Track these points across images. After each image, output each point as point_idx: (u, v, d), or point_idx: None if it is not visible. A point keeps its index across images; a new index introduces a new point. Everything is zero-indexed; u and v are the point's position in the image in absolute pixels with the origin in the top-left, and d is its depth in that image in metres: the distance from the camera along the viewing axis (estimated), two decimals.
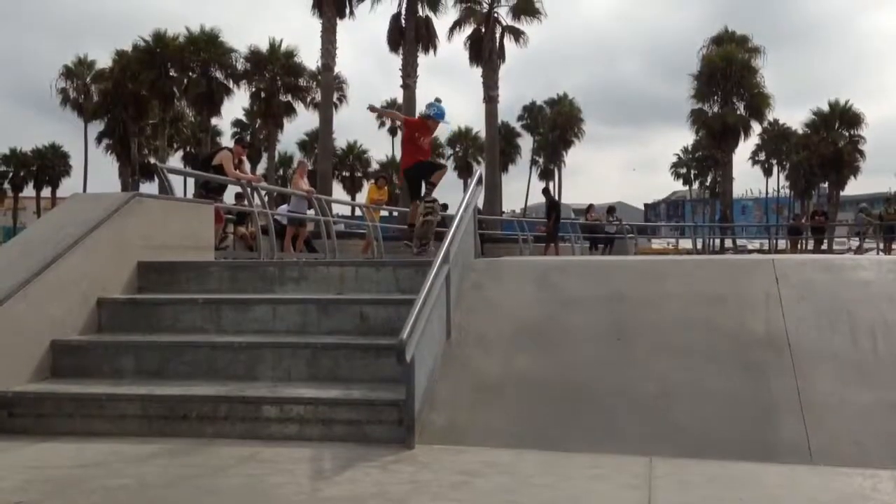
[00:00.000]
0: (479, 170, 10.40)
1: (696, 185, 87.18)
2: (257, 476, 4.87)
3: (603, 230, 26.78)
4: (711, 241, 41.07)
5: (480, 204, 24.07)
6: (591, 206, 29.26)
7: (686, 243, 36.58)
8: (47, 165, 79.09)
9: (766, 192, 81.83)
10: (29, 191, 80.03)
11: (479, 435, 5.63)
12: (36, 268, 6.65)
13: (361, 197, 19.98)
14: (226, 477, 4.84)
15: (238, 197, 14.53)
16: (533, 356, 6.36)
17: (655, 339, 6.34)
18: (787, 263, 7.13)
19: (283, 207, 15.05)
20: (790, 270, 6.86)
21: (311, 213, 14.47)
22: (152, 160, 57.08)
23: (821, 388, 5.70)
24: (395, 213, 25.64)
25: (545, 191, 26.10)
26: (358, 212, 21.66)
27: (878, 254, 24.36)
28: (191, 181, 13.51)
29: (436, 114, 8.99)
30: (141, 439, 5.64)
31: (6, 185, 79.31)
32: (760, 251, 33.56)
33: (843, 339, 6.07)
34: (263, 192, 13.27)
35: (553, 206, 23.66)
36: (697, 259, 9.03)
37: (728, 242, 43.12)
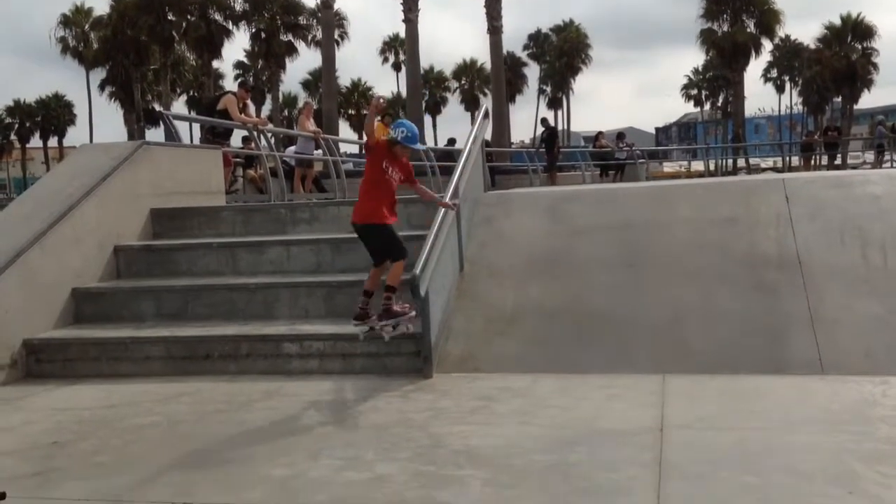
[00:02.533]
0: (486, 103, 8.67)
1: (707, 107, 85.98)
2: (282, 409, 5.02)
3: (613, 157, 26.58)
4: (724, 161, 40.66)
5: (489, 136, 23.98)
6: (600, 133, 28.97)
7: (699, 165, 36.25)
8: (52, 115, 78.79)
9: (779, 110, 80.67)
10: (35, 141, 79.94)
11: (495, 362, 5.76)
12: (51, 219, 6.75)
13: None
14: (252, 411, 5.00)
15: (245, 140, 14.50)
16: (545, 285, 6.44)
17: (667, 263, 6.40)
18: (797, 182, 7.13)
19: (291, 149, 14.99)
20: (800, 189, 6.86)
21: (318, 153, 14.43)
22: (156, 106, 56.82)
23: (831, 303, 5.76)
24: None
25: (544, 120, 25.87)
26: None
27: (892, 167, 24.14)
28: (196, 126, 13.47)
29: (405, 138, 5.48)
30: (167, 379, 5.81)
31: (13, 137, 79.22)
32: (774, 169, 33.29)
33: (853, 255, 6.11)
34: (270, 135, 13.23)
35: (552, 135, 23.48)
36: (707, 182, 9.03)
37: (741, 162, 42.70)
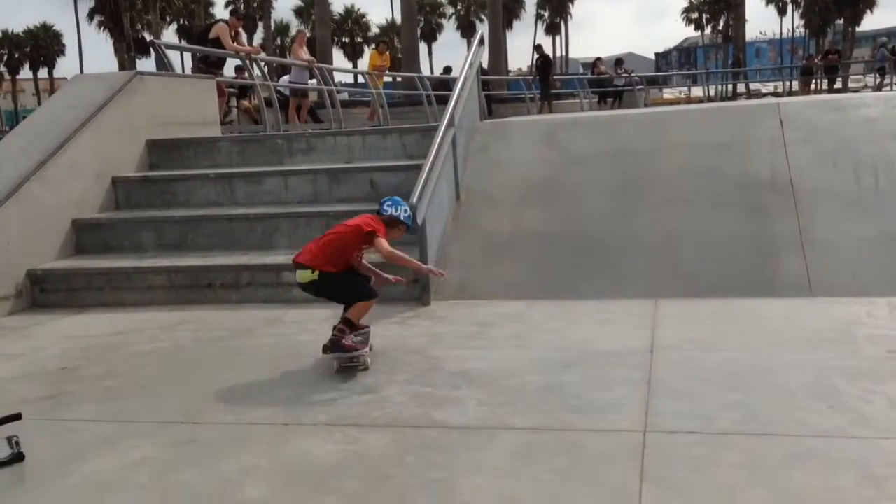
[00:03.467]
0: (481, 30, 8.33)
1: (708, 31, 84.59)
2: (284, 335, 5.15)
3: (611, 84, 26.31)
4: (724, 87, 40.18)
5: (485, 63, 23.63)
6: (598, 59, 28.57)
7: (699, 91, 35.87)
8: (41, 46, 77.53)
9: (781, 33, 79.43)
10: (26, 73, 78.88)
11: (492, 289, 5.87)
12: (49, 150, 6.77)
13: (363, 64, 19.63)
14: (254, 337, 5.13)
15: (238, 70, 14.35)
16: (541, 213, 6.51)
17: (661, 189, 6.46)
18: (791, 106, 7.13)
19: (285, 78, 14.84)
20: (795, 113, 6.87)
21: (312, 82, 14.30)
22: (147, 35, 55.78)
23: (822, 225, 5.85)
24: (399, 79, 25.25)
25: (538, 47, 25.50)
26: (361, 80, 21.34)
27: (893, 90, 23.95)
28: (188, 57, 13.30)
29: (407, 217, 4.52)
30: (170, 308, 5.94)
31: (2, 68, 78.10)
32: (774, 94, 32.98)
33: (846, 178, 6.17)
34: (263, 64, 13.09)
35: (546, 63, 23.19)
36: (702, 108, 9.00)
37: (741, 88, 42.18)
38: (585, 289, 5.74)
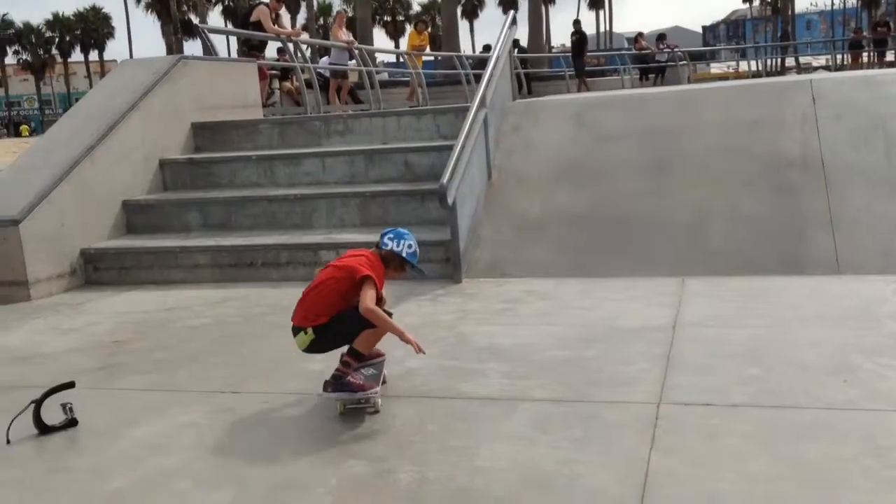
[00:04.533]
0: (511, 13, 7.99)
1: (757, 2, 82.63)
2: None
3: (653, 59, 26.00)
4: (774, 61, 39.28)
5: (524, 41, 23.56)
6: (639, 34, 28.21)
7: (748, 66, 35.19)
8: (91, 28, 79.07)
9: (832, 5, 77.25)
10: (77, 56, 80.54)
11: (522, 268, 6.03)
12: (99, 133, 7.09)
13: (404, 43, 19.63)
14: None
15: (280, 52, 14.59)
16: (571, 192, 6.63)
17: (691, 168, 6.52)
18: (824, 83, 7.10)
19: (324, 60, 15.04)
20: (827, 90, 6.85)
21: (352, 63, 14.49)
22: (193, 17, 56.51)
23: (851, 204, 5.87)
24: (439, 58, 25.29)
25: (576, 23, 25.22)
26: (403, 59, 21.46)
27: None
28: (234, 39, 13.59)
29: (411, 254, 3.75)
30: (215, 285, 6.22)
31: (54, 52, 79.88)
32: (825, 68, 32.24)
33: (877, 156, 6.16)
34: (305, 46, 13.30)
35: (580, 40, 22.95)
36: (736, 85, 8.97)
37: (790, 61, 41.21)
38: (614, 267, 5.86)
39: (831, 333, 4.24)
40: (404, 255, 3.68)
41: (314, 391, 3.84)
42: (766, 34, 74.08)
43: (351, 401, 3.52)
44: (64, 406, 3.58)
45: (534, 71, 24.99)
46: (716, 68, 39.44)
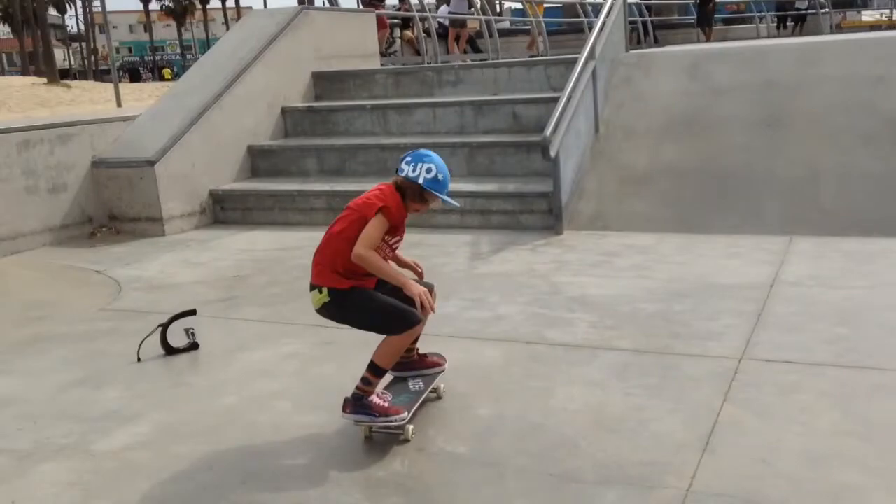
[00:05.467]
0: None
1: None
2: (424, 257, 5.52)
3: (793, 6, 24.57)
4: None
5: None
6: None
7: None
8: None
9: None
10: (215, 2, 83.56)
11: (625, 221, 6.06)
12: (227, 81, 7.54)
13: None
14: None
15: (401, 1, 14.79)
16: (680, 147, 6.56)
17: (807, 123, 6.32)
18: None
19: (443, 9, 15.14)
20: None
21: (472, 12, 14.51)
22: None
23: None
24: (560, 4, 24.78)
25: None
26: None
27: None
28: None
29: (434, 182, 2.95)
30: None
31: None
32: None
33: None
34: None
35: None
36: (861, 38, 8.48)
37: None
38: (719, 224, 5.81)
39: None
40: (421, 181, 2.90)
41: None
42: None
43: (379, 424, 2.93)
44: (187, 331, 4.01)
45: (659, 19, 24.05)
46: (868, 16, 36.71)
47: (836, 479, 2.47)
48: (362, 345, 3.91)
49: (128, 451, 2.97)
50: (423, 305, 2.85)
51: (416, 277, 3.14)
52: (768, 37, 21.05)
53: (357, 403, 2.94)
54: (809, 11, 24.46)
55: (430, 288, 3.09)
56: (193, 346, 3.95)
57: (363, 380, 2.96)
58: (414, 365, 3.28)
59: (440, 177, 2.95)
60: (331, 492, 2.61)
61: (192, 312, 4.07)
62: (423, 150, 3.02)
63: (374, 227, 2.85)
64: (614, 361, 3.56)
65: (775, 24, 24.62)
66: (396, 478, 2.67)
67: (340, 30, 9.26)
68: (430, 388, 3.21)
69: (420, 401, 3.09)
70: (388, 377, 3.13)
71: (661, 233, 5.80)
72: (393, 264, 3.05)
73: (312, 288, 3.04)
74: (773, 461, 2.61)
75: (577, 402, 3.17)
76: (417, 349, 3.31)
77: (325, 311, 3.06)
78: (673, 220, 5.97)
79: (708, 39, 20.24)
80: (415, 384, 3.22)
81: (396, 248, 3.07)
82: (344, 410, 2.95)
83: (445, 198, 2.98)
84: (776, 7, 25.09)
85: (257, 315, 4.51)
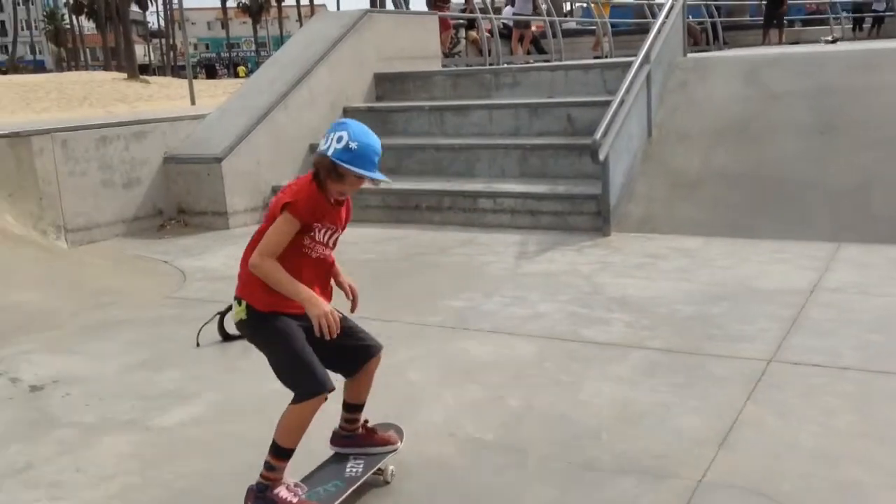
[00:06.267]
0: None
1: None
2: (472, 256, 5.82)
3: (870, 8, 23.87)
4: None
5: None
6: None
7: None
8: None
9: None
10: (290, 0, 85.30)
11: (673, 225, 6.13)
12: (291, 82, 7.86)
13: None
14: (447, 255, 5.85)
15: (466, 1, 14.98)
16: (732, 152, 6.59)
17: (861, 131, 6.27)
18: None
19: (508, 10, 15.26)
20: None
21: (538, 13, 14.60)
22: None
23: None
24: (629, 4, 24.63)
25: None
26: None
27: None
28: None
29: (339, 153, 2.32)
30: (383, 225, 6.83)
31: None
32: None
33: None
34: None
35: None
36: None
37: None
38: (767, 229, 5.83)
39: None
40: (330, 153, 2.33)
41: (451, 325, 4.30)
42: None
43: None
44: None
45: (729, 20, 23.63)
46: None
47: (845, 477, 2.57)
48: (410, 338, 4.13)
49: (183, 428, 3.24)
50: (322, 328, 2.34)
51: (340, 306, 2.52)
52: (842, 38, 20.49)
53: (259, 497, 2.42)
54: (887, 13, 23.73)
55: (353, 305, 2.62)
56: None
57: (266, 465, 2.43)
58: (359, 440, 2.71)
59: (353, 146, 2.33)
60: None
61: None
62: (344, 120, 2.45)
63: (276, 231, 2.36)
64: (645, 360, 3.68)
65: (851, 27, 23.94)
66: (424, 458, 2.86)
67: (403, 32, 9.51)
68: (371, 472, 2.60)
69: (348, 493, 2.49)
70: (328, 450, 2.70)
71: (709, 237, 5.85)
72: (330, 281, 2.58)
73: (235, 298, 2.48)
74: (786, 458, 2.71)
75: (604, 397, 3.30)
76: (366, 421, 2.73)
77: (241, 328, 2.51)
78: (722, 225, 6.01)
79: (780, 42, 19.81)
80: (353, 467, 2.60)
81: (330, 243, 2.51)
82: (245, 500, 2.44)
83: (360, 171, 2.33)
84: (852, 8, 24.38)
85: None
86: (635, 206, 6.39)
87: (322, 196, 2.42)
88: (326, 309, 2.38)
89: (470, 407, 3.29)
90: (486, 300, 4.71)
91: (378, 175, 2.39)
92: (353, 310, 2.63)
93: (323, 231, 2.46)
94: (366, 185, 2.44)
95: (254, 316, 2.43)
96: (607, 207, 6.09)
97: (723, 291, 4.63)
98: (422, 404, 3.32)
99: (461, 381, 3.54)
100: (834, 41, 12.88)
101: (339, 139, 2.35)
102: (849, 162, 6.07)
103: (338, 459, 2.70)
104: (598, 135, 5.78)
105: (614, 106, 6.06)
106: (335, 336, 2.39)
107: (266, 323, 2.42)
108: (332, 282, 2.63)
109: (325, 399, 2.40)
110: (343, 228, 2.57)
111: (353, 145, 2.34)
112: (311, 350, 2.42)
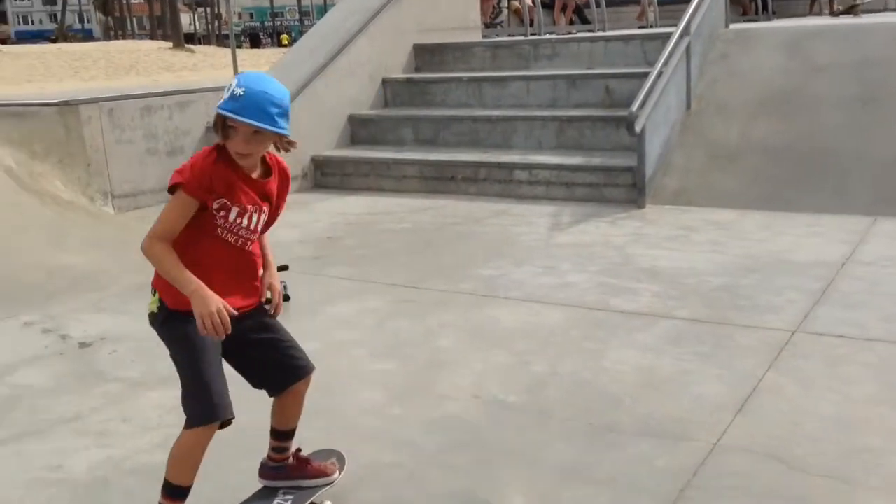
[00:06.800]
0: None
1: None
2: (506, 226, 5.89)
3: None
4: None
5: None
6: None
7: None
8: None
9: None
10: None
11: (708, 197, 6.12)
12: (331, 53, 7.94)
13: None
14: (481, 226, 5.93)
15: None
16: (772, 124, 6.53)
17: None
18: None
19: None
20: None
21: None
22: None
23: None
24: None
25: None
26: None
27: None
28: None
29: (226, 105, 2.00)
30: (418, 195, 6.93)
31: None
32: None
33: None
34: None
35: None
36: None
37: None
38: (803, 202, 5.80)
39: None
40: (219, 108, 2.02)
41: (482, 293, 4.40)
42: None
43: None
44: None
45: None
46: None
47: (858, 442, 2.62)
48: (441, 305, 4.24)
49: None
50: (206, 328, 2.00)
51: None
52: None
53: None
54: None
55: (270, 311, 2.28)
56: (285, 298, 4.31)
57: None
58: (289, 472, 2.40)
59: (239, 92, 2.00)
60: (393, 425, 2.95)
61: (285, 268, 4.47)
62: (246, 73, 2.16)
63: (167, 211, 2.07)
64: (670, 329, 3.74)
65: None
66: (450, 420, 2.98)
67: (443, 3, 9.51)
68: None
69: None
70: (255, 484, 2.40)
71: (745, 209, 5.84)
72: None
73: (151, 288, 2.18)
74: (802, 424, 2.77)
75: (628, 365, 3.38)
76: (298, 450, 2.43)
77: (151, 322, 2.19)
78: (759, 198, 5.98)
79: (832, 12, 19.25)
80: (283, 501, 2.33)
81: (252, 226, 2.14)
82: None
83: (248, 120, 1.98)
84: None
85: (344, 273, 4.89)
86: (671, 179, 6.39)
87: (226, 166, 2.06)
88: (213, 307, 1.99)
89: (496, 371, 3.39)
90: (516, 269, 4.79)
91: (274, 127, 2.01)
92: (274, 314, 2.29)
93: (237, 211, 2.08)
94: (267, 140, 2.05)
95: (164, 312, 2.12)
96: (643, 179, 6.10)
97: (754, 264, 4.65)
98: (449, 368, 3.43)
99: (489, 346, 3.64)
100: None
101: (227, 88, 2.03)
102: (890, 135, 5.99)
103: (265, 494, 2.36)
104: (635, 107, 5.79)
105: (652, 78, 6.04)
106: (221, 337, 2.03)
107: (175, 323, 2.10)
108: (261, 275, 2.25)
109: (217, 429, 2.09)
110: (276, 208, 2.20)
111: (238, 91, 2.00)
112: (217, 369, 2.11)
